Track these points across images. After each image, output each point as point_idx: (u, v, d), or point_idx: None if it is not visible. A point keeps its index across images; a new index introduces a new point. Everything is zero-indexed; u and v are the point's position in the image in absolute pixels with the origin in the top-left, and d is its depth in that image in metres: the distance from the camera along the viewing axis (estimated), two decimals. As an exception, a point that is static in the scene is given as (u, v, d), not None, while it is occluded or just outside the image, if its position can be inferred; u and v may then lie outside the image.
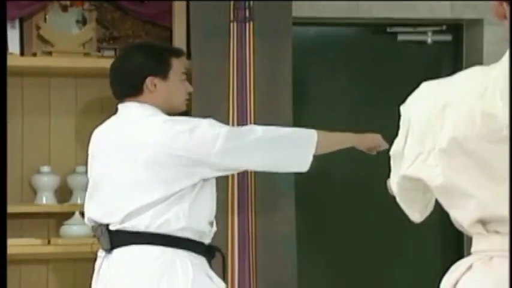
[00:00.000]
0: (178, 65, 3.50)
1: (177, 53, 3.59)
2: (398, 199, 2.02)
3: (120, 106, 3.46)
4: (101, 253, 3.41)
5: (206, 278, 3.33)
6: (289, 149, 3.44)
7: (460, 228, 1.91)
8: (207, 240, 3.39)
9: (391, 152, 1.99)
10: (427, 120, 1.86)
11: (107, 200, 3.39)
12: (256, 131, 3.44)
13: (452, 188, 1.83)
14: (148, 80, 3.40)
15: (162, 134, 3.31)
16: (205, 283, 3.32)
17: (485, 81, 1.81)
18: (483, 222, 1.83)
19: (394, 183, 1.99)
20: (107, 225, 3.35)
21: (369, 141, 3.61)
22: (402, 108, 1.97)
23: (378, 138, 3.60)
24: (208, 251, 3.39)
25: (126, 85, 3.44)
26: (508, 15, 1.88)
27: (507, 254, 1.80)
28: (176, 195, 3.30)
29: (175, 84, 3.47)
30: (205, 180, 3.36)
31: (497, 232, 1.82)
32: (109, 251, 3.35)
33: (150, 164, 3.29)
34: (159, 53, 3.49)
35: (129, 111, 3.43)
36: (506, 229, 1.80)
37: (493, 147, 1.78)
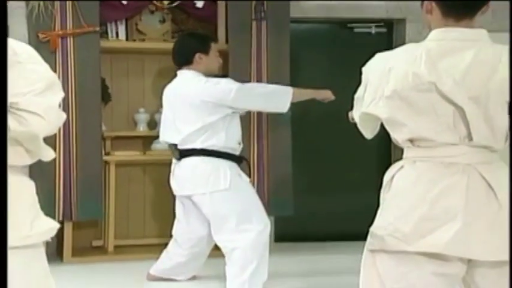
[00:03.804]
0: (214, 47, 3.44)
1: (214, 39, 3.55)
2: (358, 125, 1.88)
3: (179, 72, 3.40)
4: (174, 161, 3.39)
5: (237, 176, 3.29)
6: (276, 97, 3.34)
7: (396, 144, 1.83)
8: (237, 153, 3.34)
9: (355, 96, 1.86)
10: (378, 78, 1.75)
11: (171, 128, 3.33)
12: (256, 87, 3.42)
13: (393, 120, 1.76)
14: (197, 55, 3.37)
15: (200, 88, 3.25)
16: (237, 179, 3.27)
17: (415, 53, 1.72)
18: (411, 140, 1.77)
19: (356, 116, 1.87)
20: (176, 144, 3.30)
21: (323, 94, 3.49)
22: (364, 69, 1.83)
23: (328, 93, 3.48)
24: (238, 159, 3.35)
25: (183, 58, 3.37)
26: (434, 11, 1.75)
27: (425, 159, 1.71)
28: (214, 125, 3.23)
29: (212, 58, 3.41)
30: (231, 116, 3.28)
31: (419, 146, 1.76)
32: (179, 159, 3.32)
33: (194, 105, 3.23)
34: (204, 39, 3.44)
35: (184, 75, 3.37)
36: (425, 144, 1.72)
37: (418, 94, 1.69)
